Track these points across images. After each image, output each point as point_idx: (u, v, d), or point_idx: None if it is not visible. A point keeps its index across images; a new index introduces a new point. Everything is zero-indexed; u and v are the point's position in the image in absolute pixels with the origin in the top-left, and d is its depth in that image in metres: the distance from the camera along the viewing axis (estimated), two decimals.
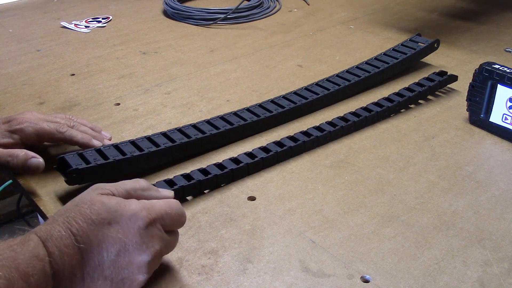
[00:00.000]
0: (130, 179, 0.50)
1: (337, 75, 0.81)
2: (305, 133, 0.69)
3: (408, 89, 0.78)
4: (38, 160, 0.60)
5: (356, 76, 0.80)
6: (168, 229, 0.48)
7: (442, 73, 0.81)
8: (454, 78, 0.80)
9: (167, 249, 0.48)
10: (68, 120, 0.66)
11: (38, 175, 0.63)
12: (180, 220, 0.49)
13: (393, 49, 0.87)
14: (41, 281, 0.40)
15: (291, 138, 0.67)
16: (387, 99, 0.76)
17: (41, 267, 0.40)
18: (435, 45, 0.88)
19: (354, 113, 0.72)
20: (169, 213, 0.47)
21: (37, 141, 0.64)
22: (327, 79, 0.80)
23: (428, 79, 0.80)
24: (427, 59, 0.89)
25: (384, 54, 0.86)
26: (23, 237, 0.42)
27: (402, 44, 0.88)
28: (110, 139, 0.69)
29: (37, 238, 0.42)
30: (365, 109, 0.73)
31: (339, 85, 0.78)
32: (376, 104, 0.75)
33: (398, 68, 0.85)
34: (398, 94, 0.77)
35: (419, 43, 0.88)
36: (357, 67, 0.83)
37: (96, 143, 0.65)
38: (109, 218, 0.44)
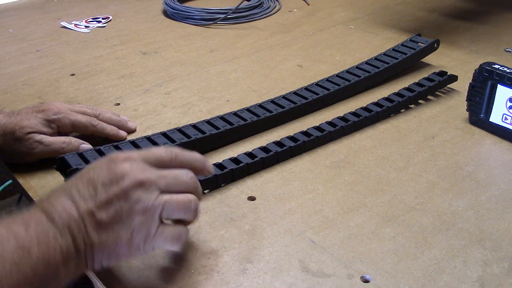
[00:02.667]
0: None
1: (337, 75, 0.81)
2: (305, 133, 0.69)
3: (408, 89, 0.78)
4: (88, 146, 0.65)
5: (356, 76, 0.80)
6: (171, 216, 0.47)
7: (442, 73, 0.81)
8: (454, 78, 0.80)
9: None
10: (93, 110, 0.69)
11: (38, 175, 0.63)
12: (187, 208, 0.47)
13: (393, 49, 0.87)
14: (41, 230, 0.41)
15: (291, 138, 0.67)
16: (387, 99, 0.76)
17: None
18: (435, 45, 0.88)
19: (354, 113, 0.72)
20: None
21: (70, 131, 0.66)
22: (327, 79, 0.80)
23: (428, 79, 0.80)
24: (427, 59, 0.89)
25: (384, 54, 0.86)
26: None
27: (402, 44, 0.88)
28: (135, 129, 0.72)
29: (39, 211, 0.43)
30: (365, 109, 0.73)
31: (339, 85, 0.78)
32: (376, 104, 0.75)
33: (398, 68, 0.85)
34: (398, 94, 0.77)
35: (419, 43, 0.88)
36: (357, 67, 0.83)
37: (123, 134, 0.70)
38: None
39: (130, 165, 0.45)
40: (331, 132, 0.69)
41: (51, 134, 0.64)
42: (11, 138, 0.62)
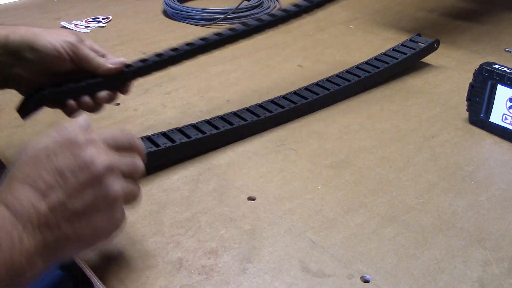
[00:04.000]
0: None
1: (337, 75, 0.81)
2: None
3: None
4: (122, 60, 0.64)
5: (356, 76, 0.80)
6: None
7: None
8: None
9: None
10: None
11: None
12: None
13: (393, 49, 0.87)
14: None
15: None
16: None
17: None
18: (435, 45, 0.88)
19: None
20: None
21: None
22: (327, 79, 0.80)
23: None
24: (427, 59, 0.89)
25: (384, 54, 0.86)
26: None
27: (402, 44, 0.88)
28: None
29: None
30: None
31: (339, 85, 0.78)
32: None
33: (398, 68, 0.85)
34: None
35: (419, 43, 0.88)
36: (357, 67, 0.83)
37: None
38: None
39: (96, 149, 0.43)
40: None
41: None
42: (43, 41, 0.59)
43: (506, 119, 0.68)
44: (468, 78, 0.72)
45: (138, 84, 0.86)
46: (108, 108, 0.78)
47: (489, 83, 0.69)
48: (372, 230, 0.54)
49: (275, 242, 0.53)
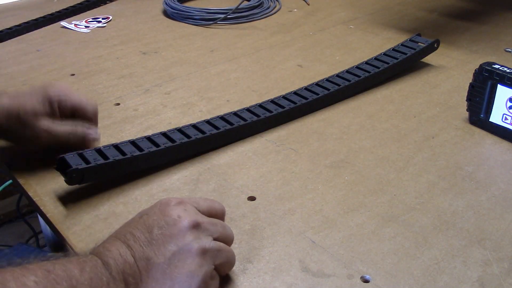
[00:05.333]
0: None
1: (337, 75, 0.81)
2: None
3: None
4: (95, 132, 0.65)
5: (356, 76, 0.80)
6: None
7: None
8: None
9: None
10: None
11: (38, 175, 0.63)
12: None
13: (393, 49, 0.87)
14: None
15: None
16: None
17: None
18: (435, 45, 0.88)
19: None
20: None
21: (71, 114, 0.65)
22: (327, 79, 0.80)
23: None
24: (427, 59, 0.89)
25: (384, 54, 0.86)
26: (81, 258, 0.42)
27: (402, 44, 0.88)
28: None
29: (93, 256, 0.42)
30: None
31: (339, 85, 0.78)
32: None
33: (398, 68, 0.85)
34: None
35: (419, 43, 0.88)
36: (357, 67, 0.83)
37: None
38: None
39: (184, 208, 0.45)
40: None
41: (54, 116, 0.62)
42: (17, 122, 0.60)
43: (506, 119, 0.68)
44: (468, 78, 0.72)
45: (138, 84, 0.86)
46: (108, 108, 0.79)
47: (489, 83, 0.69)
48: (372, 230, 0.54)
49: (275, 242, 0.53)
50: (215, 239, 0.45)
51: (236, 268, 0.50)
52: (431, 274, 0.49)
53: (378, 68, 0.82)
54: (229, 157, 0.66)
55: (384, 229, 0.54)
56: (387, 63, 0.83)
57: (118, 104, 0.80)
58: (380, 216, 0.56)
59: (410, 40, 0.89)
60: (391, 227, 0.55)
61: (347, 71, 0.82)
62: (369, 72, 0.81)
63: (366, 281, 0.48)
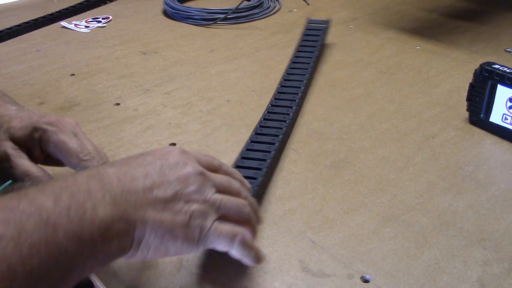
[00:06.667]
0: None
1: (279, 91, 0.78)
2: None
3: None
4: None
5: (301, 82, 0.80)
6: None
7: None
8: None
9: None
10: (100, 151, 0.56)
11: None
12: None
13: (305, 40, 0.92)
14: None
15: None
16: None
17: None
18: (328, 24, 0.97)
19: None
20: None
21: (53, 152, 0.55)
22: (273, 104, 0.74)
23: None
24: (427, 59, 0.89)
25: (301, 50, 0.90)
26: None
27: (307, 34, 0.94)
28: None
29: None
30: None
31: (291, 107, 0.73)
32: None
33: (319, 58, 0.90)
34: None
35: (318, 25, 0.95)
36: (286, 77, 0.82)
37: None
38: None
39: (188, 158, 0.44)
40: None
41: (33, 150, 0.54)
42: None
43: (506, 119, 0.68)
44: (468, 78, 0.72)
45: (138, 84, 0.86)
46: (108, 108, 0.79)
47: (489, 83, 0.69)
48: (372, 230, 0.54)
49: (275, 242, 0.53)
50: (219, 191, 0.44)
51: (236, 268, 0.50)
52: (431, 274, 0.49)
53: (308, 64, 0.85)
54: (229, 157, 0.66)
55: (384, 229, 0.54)
56: (312, 57, 0.87)
57: (118, 104, 0.80)
58: (380, 216, 0.56)
59: (309, 28, 0.96)
60: (391, 227, 0.55)
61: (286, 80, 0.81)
62: (305, 75, 0.82)
63: (366, 281, 0.48)
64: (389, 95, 0.81)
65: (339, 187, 0.61)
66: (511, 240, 0.53)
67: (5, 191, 0.41)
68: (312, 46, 0.90)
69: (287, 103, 0.74)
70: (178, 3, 1.17)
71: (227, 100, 0.80)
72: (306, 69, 0.83)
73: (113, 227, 0.37)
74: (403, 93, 0.81)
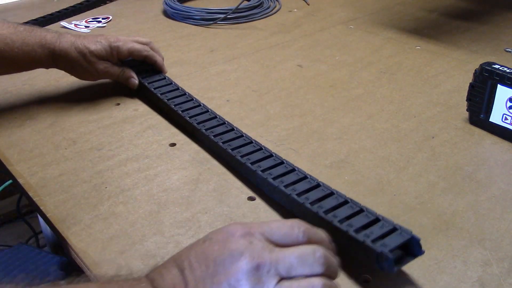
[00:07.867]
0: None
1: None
2: None
3: None
4: (135, 81, 0.81)
5: None
6: None
7: None
8: None
9: None
10: (145, 39, 0.86)
11: (38, 175, 0.63)
12: None
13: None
14: None
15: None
16: None
17: None
18: None
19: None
20: None
21: (127, 57, 0.81)
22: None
23: None
24: (427, 59, 0.89)
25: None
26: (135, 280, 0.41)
27: None
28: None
29: (146, 280, 0.41)
30: None
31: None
32: None
33: None
34: None
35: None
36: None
37: (165, 68, 0.86)
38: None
39: (248, 242, 0.40)
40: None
41: (111, 59, 0.79)
42: (84, 59, 0.77)
43: (506, 119, 0.68)
44: (468, 78, 0.72)
45: None
46: (108, 108, 0.79)
47: (489, 83, 0.69)
48: None
49: None
50: (287, 276, 0.39)
51: None
52: (431, 274, 0.49)
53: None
54: None
55: None
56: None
57: (118, 104, 0.80)
58: None
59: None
60: None
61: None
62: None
63: (366, 281, 0.48)
64: (389, 95, 0.81)
65: (339, 187, 0.61)
66: (511, 240, 0.53)
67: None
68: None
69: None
70: (178, 3, 1.17)
71: (227, 100, 0.80)
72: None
73: None
74: (403, 93, 0.81)
